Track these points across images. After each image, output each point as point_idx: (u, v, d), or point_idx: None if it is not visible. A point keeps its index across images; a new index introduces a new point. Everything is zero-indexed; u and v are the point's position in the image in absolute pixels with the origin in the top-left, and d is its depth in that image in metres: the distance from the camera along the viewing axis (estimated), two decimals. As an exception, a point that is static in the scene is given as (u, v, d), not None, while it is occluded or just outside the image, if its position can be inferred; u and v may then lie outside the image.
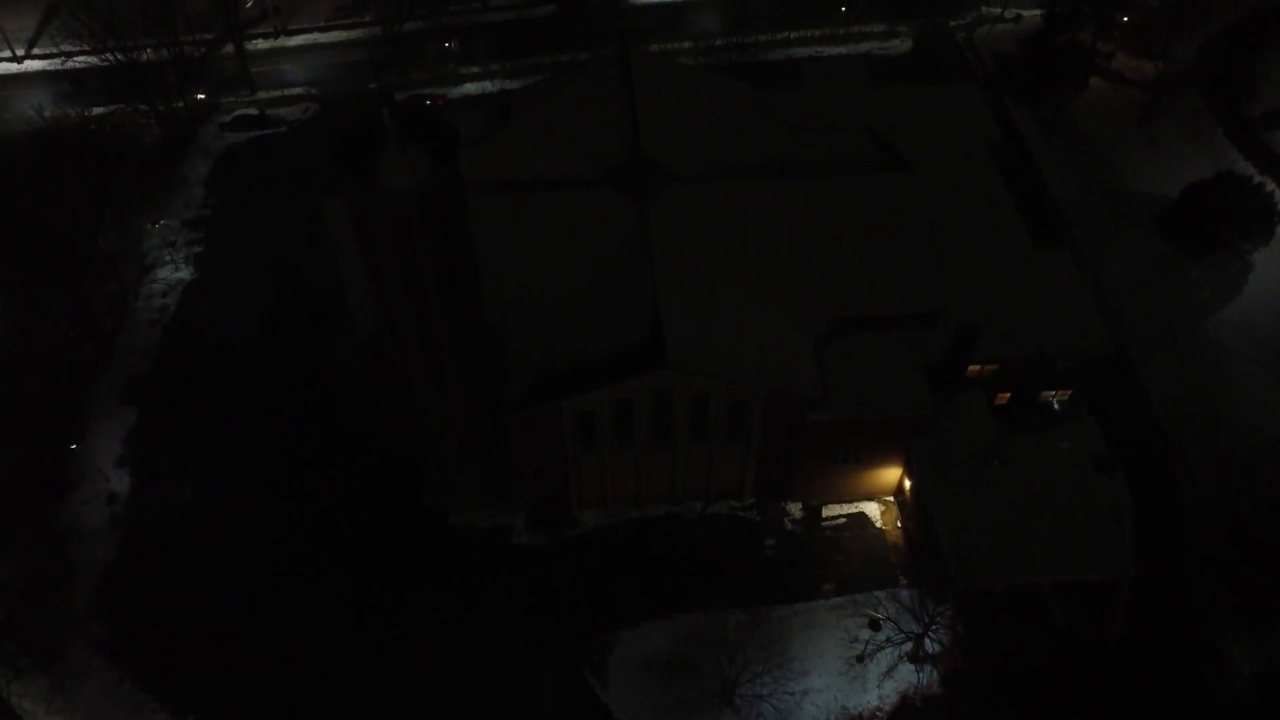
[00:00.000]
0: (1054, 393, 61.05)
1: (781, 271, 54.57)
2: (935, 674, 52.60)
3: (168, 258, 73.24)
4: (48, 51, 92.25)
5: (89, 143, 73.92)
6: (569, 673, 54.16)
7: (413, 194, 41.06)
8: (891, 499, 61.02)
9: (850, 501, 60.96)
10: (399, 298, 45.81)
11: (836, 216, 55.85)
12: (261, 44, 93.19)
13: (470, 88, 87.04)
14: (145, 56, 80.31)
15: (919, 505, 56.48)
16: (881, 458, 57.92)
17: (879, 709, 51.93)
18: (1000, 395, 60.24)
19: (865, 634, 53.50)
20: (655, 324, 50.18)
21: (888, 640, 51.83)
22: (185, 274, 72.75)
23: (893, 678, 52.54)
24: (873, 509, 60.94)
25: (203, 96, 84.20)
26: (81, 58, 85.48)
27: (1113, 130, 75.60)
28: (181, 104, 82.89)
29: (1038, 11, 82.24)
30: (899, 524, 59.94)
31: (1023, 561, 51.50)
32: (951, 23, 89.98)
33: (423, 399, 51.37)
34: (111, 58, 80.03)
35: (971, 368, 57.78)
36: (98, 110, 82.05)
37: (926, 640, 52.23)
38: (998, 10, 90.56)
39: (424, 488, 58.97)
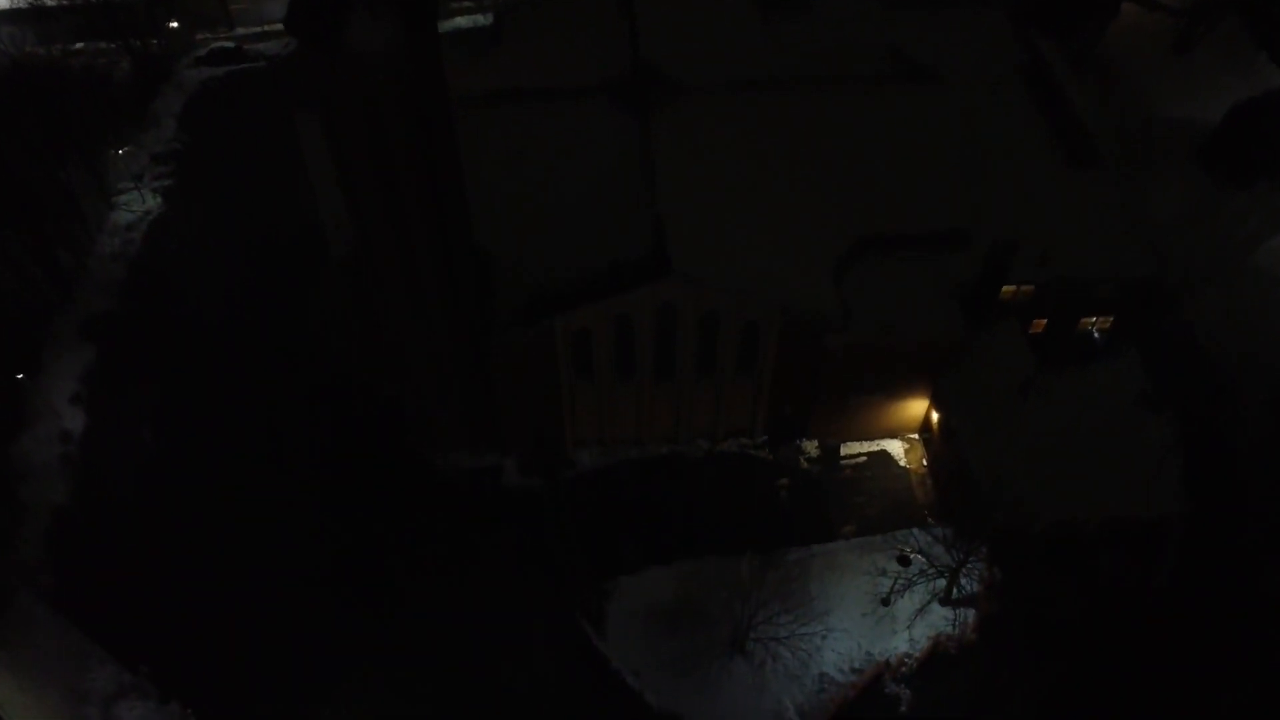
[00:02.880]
0: (1094, 320, 55.94)
1: (797, 188, 49.30)
2: (971, 618, 47.49)
3: (134, 191, 68.19)
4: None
5: (55, 80, 69.41)
6: (563, 622, 49.18)
7: (381, 55, 35.95)
8: (916, 436, 56.02)
9: (871, 439, 55.97)
10: (372, 196, 40.71)
11: (856, 130, 50.67)
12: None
13: (461, 21, 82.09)
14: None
15: (949, 440, 51.43)
16: (906, 390, 52.88)
17: (908, 655, 46.84)
18: (1036, 323, 55.18)
19: (892, 572, 48.31)
20: (658, 234, 45.06)
21: (921, 573, 46.55)
22: (153, 206, 67.73)
23: (923, 621, 47.41)
24: (896, 447, 55.94)
25: (175, 25, 79.11)
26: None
27: (1147, 60, 70.43)
28: (155, 40, 78.06)
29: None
30: (925, 463, 54.90)
31: (1065, 499, 46.29)
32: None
33: (402, 322, 46.31)
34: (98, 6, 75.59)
35: (1005, 290, 52.72)
36: (66, 48, 77.28)
37: (961, 582, 47.14)
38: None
39: (405, 428, 53.86)
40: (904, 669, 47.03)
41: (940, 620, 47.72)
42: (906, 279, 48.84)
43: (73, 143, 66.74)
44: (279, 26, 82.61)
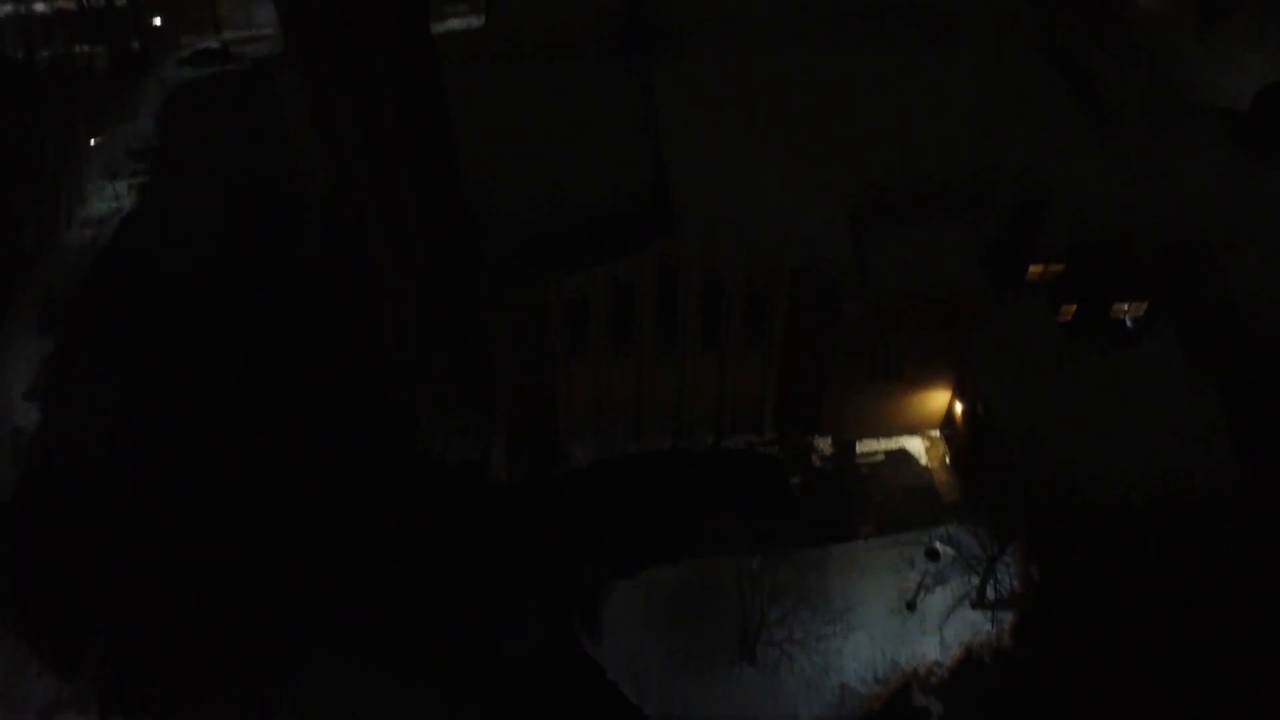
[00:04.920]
0: (1127, 306, 52.09)
1: (808, 144, 45.57)
2: (1006, 620, 42.71)
3: (108, 186, 64.92)
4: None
5: (33, 76, 66.82)
6: (555, 627, 44.41)
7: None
8: (938, 433, 51.73)
9: (889, 436, 51.65)
10: (353, 128, 37.23)
11: (870, 86, 47.10)
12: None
13: (454, 24, 79.69)
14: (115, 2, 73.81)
15: (978, 427, 47.16)
16: (929, 374, 48.70)
17: (938, 663, 41.95)
18: (1065, 309, 51.31)
19: (917, 570, 43.64)
20: (661, 187, 41.45)
21: (951, 568, 41.85)
22: (126, 202, 64.41)
23: (954, 625, 42.62)
24: (916, 445, 51.59)
25: (159, 22, 76.63)
26: (42, 4, 78.67)
27: (1171, 39, 67.63)
28: (138, 42, 75.68)
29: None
30: (948, 461, 50.52)
31: (1109, 476, 41.74)
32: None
33: (384, 268, 42.39)
34: (78, 5, 73.43)
35: (1033, 269, 49.00)
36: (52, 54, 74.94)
37: (994, 579, 42.47)
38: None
39: (388, 409, 49.46)
40: (933, 678, 42.11)
41: (973, 624, 42.94)
42: (927, 240, 44.88)
43: (48, 129, 63.61)
44: (266, 30, 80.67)
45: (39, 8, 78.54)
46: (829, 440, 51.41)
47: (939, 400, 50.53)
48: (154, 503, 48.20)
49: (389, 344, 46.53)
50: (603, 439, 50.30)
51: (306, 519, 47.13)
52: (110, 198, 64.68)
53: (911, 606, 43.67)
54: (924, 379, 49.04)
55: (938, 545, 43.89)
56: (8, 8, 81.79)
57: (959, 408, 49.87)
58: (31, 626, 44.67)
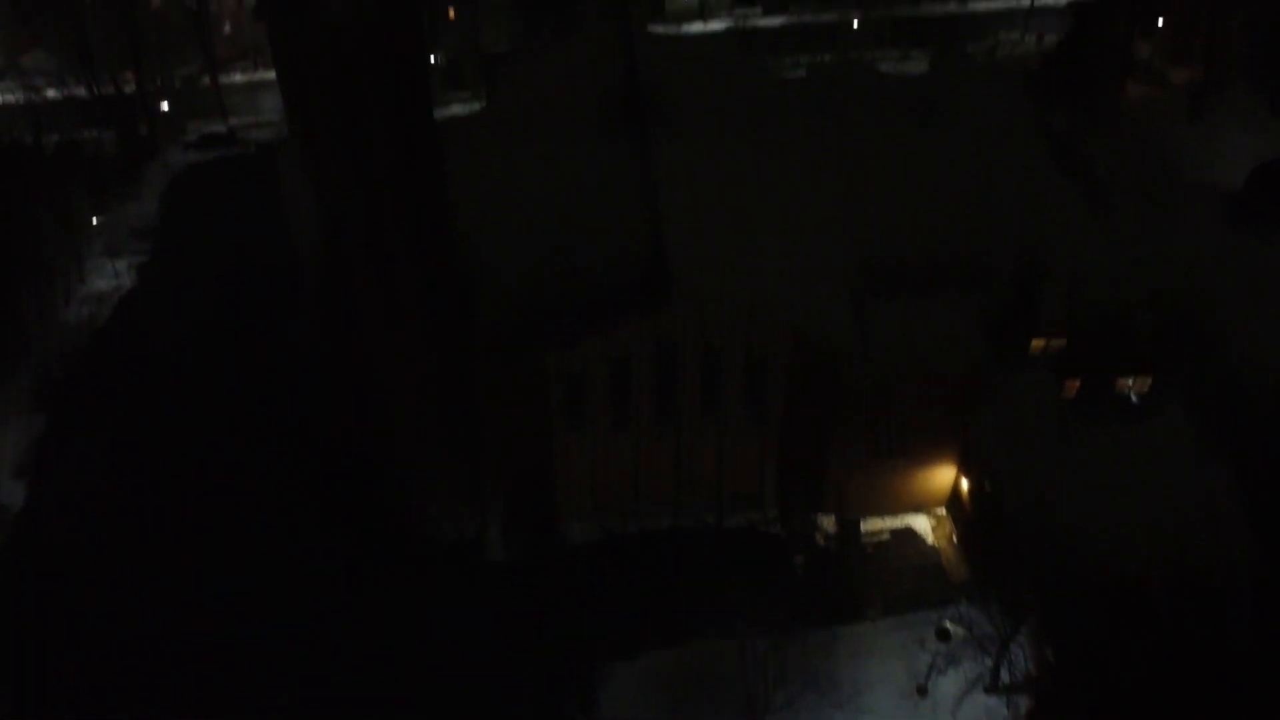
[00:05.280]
0: (1131, 381, 51.49)
1: (805, 216, 45.84)
2: (1023, 706, 40.93)
3: (108, 264, 65.07)
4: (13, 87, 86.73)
5: (39, 159, 67.68)
6: (551, 712, 42.61)
7: (355, 17, 32.86)
8: (944, 511, 50.61)
9: (894, 513, 50.53)
10: (351, 207, 37.16)
11: (866, 159, 47.68)
12: (239, 78, 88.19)
13: (457, 109, 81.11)
14: (123, 89, 75.20)
15: (986, 501, 46.11)
16: (933, 449, 47.87)
17: (952, 753, 40.15)
18: (1069, 385, 50.73)
19: (928, 652, 42.00)
20: (659, 261, 41.28)
21: (964, 644, 40.25)
22: (126, 280, 64.44)
23: (967, 710, 40.85)
24: (922, 523, 50.46)
25: (166, 107, 77.94)
26: (52, 91, 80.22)
27: (1160, 127, 68.69)
28: (145, 127, 76.89)
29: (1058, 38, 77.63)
30: (955, 538, 49.31)
31: (1124, 555, 40.60)
32: (969, 48, 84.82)
33: (379, 357, 41.87)
34: (87, 92, 74.97)
35: (1036, 343, 48.63)
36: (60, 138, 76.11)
37: (1008, 661, 40.85)
38: (1017, 35, 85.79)
39: (380, 489, 48.47)
40: (947, 770, 40.26)
41: (988, 709, 41.17)
42: (928, 312, 44.61)
43: (53, 210, 64.05)
44: (273, 117, 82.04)
45: (50, 94, 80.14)
46: (833, 518, 50.29)
47: (944, 476, 49.57)
48: (138, 586, 46.84)
49: (382, 423, 45.74)
50: (600, 516, 49.16)
51: (296, 598, 45.81)
52: (110, 275, 64.72)
53: (923, 691, 41.98)
54: (928, 454, 48.20)
55: (948, 625, 42.38)
56: (19, 94, 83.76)
57: (965, 484, 48.89)
58: (10, 707, 42.99)
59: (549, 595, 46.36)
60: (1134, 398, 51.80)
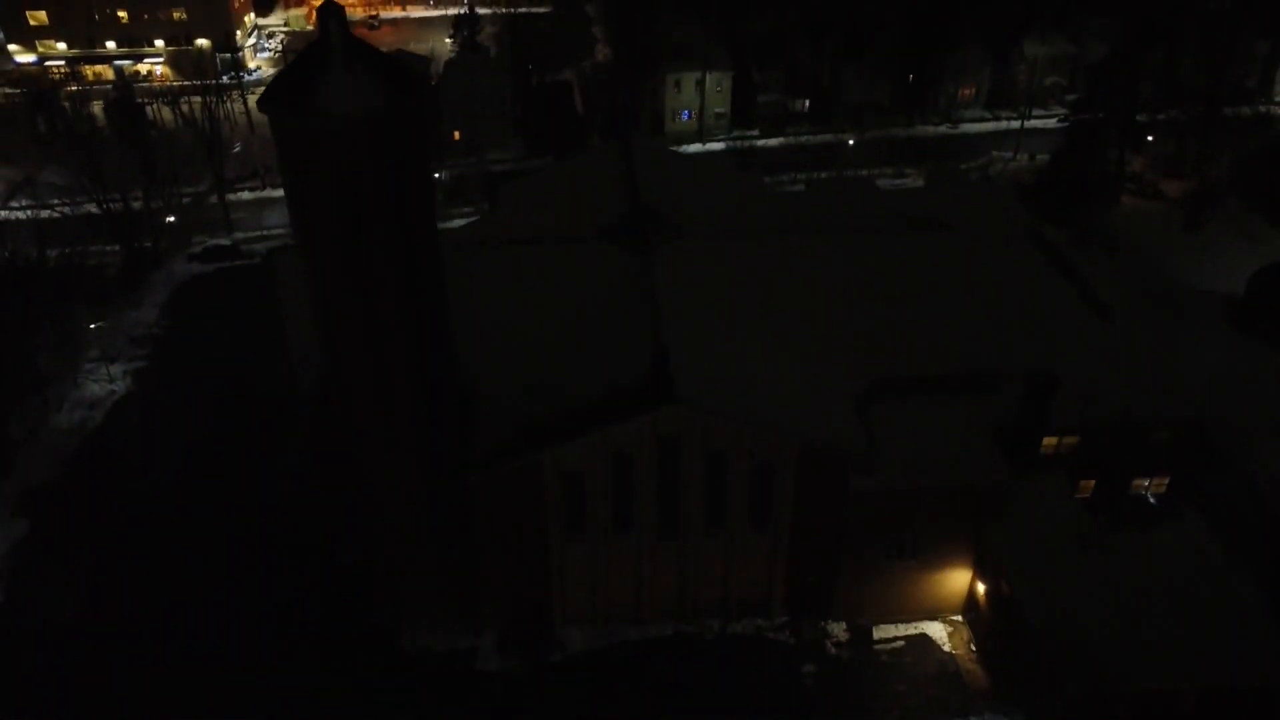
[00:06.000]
0: (1147, 482, 50.15)
1: (810, 328, 45.44)
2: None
3: (104, 369, 64.46)
4: (25, 204, 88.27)
5: (41, 272, 68.07)
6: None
7: (361, 120, 33.04)
8: (960, 618, 48.40)
9: (907, 620, 48.30)
10: (345, 301, 36.51)
11: (868, 271, 47.77)
12: (246, 195, 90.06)
13: (457, 223, 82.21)
14: (132, 206, 76.61)
15: (1003, 610, 44.05)
16: (946, 554, 46.10)
17: None
18: (1084, 484, 49.41)
19: (950, 766, 39.36)
20: (661, 360, 40.55)
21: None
22: (120, 388, 63.66)
23: (994, 831, 37.92)
24: (938, 630, 48.14)
25: (172, 220, 78.89)
26: (63, 208, 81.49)
27: (1157, 238, 69.50)
28: (150, 240, 77.72)
29: (1049, 156, 79.71)
30: (973, 647, 46.96)
31: (1153, 664, 38.49)
32: (963, 165, 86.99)
33: (372, 459, 40.54)
34: (97, 209, 76.38)
35: (1048, 441, 47.56)
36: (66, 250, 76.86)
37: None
38: (1009, 154, 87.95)
39: (369, 602, 46.46)
40: None
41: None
42: (937, 421, 43.76)
43: (45, 313, 63.84)
44: (278, 230, 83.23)
45: (59, 208, 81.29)
46: (844, 625, 48.05)
47: (959, 581, 47.61)
48: (119, 697, 44.33)
49: (376, 536, 44.13)
50: (600, 624, 46.98)
51: (287, 712, 43.23)
52: (104, 380, 64.00)
53: (946, 811, 39.13)
54: (942, 559, 46.40)
55: (969, 738, 39.86)
56: (27, 212, 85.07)
57: (981, 589, 46.89)
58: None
59: (547, 707, 43.95)
60: (1151, 498, 50.49)
